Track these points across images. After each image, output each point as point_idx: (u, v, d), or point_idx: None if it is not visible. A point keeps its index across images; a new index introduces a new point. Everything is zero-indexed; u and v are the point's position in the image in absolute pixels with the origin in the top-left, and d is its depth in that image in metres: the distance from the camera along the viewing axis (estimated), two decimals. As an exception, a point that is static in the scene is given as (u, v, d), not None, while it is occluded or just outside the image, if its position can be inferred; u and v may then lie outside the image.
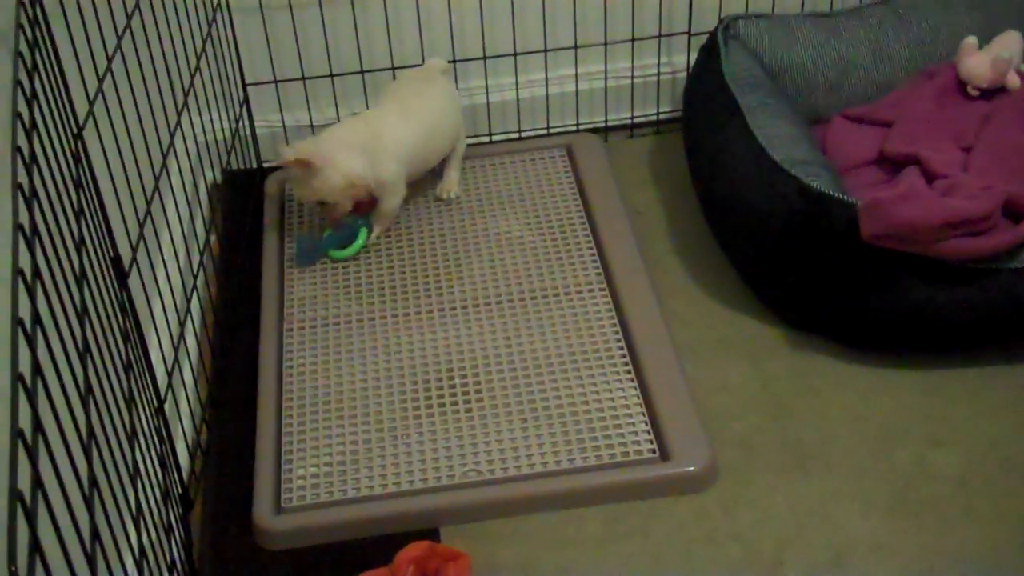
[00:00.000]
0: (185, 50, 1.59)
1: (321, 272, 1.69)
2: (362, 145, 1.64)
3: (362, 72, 1.87)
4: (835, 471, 1.38)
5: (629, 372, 1.49)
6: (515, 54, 1.89)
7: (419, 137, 1.70)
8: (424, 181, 1.82)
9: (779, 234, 1.49)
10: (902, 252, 1.40)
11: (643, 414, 1.43)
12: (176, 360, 1.40)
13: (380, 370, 1.52)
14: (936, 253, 1.39)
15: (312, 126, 1.92)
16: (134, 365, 1.18)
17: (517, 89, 1.93)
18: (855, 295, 1.47)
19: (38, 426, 0.75)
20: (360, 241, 1.70)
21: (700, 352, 1.54)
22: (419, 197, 1.81)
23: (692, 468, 1.37)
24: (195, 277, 1.57)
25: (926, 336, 1.47)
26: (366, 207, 1.71)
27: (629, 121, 1.99)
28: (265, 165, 1.95)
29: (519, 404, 1.46)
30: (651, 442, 1.40)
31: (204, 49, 1.66)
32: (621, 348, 1.52)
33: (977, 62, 1.75)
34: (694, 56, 1.85)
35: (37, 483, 0.71)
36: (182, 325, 1.48)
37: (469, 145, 1.87)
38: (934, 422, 1.43)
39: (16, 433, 0.69)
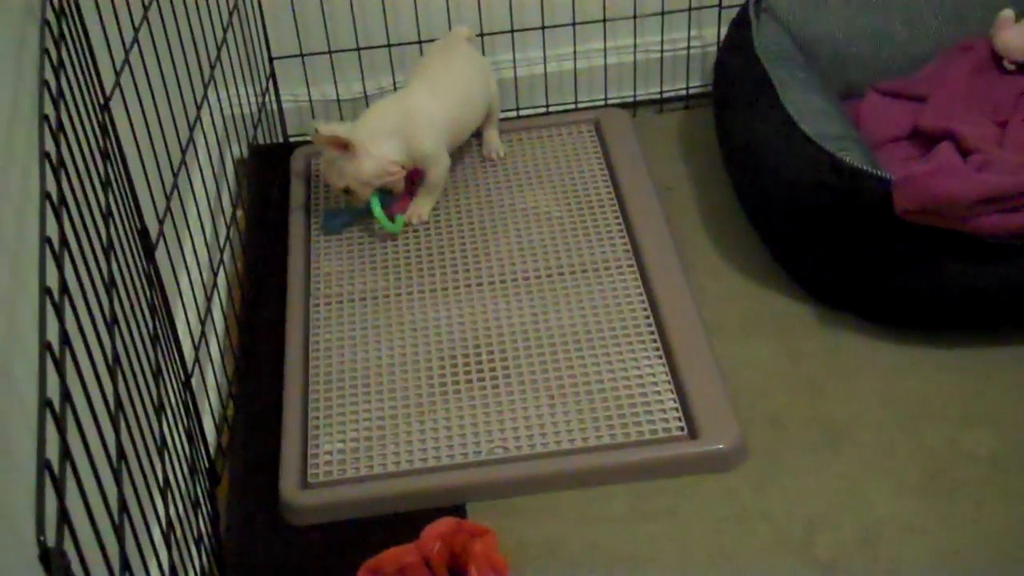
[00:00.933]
0: (212, 22, 1.58)
1: (348, 247, 1.69)
2: (395, 129, 1.62)
3: (389, 46, 1.86)
4: (866, 450, 1.37)
5: (657, 349, 1.48)
6: (543, 27, 1.88)
7: (452, 110, 1.69)
8: (454, 157, 1.81)
9: (810, 210, 1.47)
10: (935, 228, 1.38)
11: (671, 391, 1.42)
12: (203, 334, 1.40)
13: (407, 345, 1.52)
14: (970, 230, 1.37)
15: (338, 100, 1.91)
16: (161, 338, 1.18)
17: (545, 63, 1.91)
18: (887, 272, 1.45)
19: (66, 396, 0.74)
20: (399, 219, 1.68)
21: (729, 329, 1.53)
22: (452, 173, 1.80)
23: (721, 446, 1.36)
24: (221, 251, 1.57)
25: (959, 314, 1.46)
26: (415, 177, 1.69)
27: (658, 96, 1.97)
28: (291, 139, 1.94)
29: (546, 380, 1.45)
30: (679, 420, 1.39)
31: (231, 22, 1.65)
32: (649, 325, 1.51)
33: (1013, 35, 1.72)
34: (724, 30, 1.83)
35: (65, 454, 0.71)
36: (208, 299, 1.48)
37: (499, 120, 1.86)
38: (966, 401, 1.41)
39: (44, 402, 0.69)
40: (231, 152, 1.81)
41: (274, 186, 1.81)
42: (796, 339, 1.51)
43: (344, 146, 1.59)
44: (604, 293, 1.56)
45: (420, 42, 1.85)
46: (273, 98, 1.90)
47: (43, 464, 0.66)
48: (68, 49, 1.02)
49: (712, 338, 1.50)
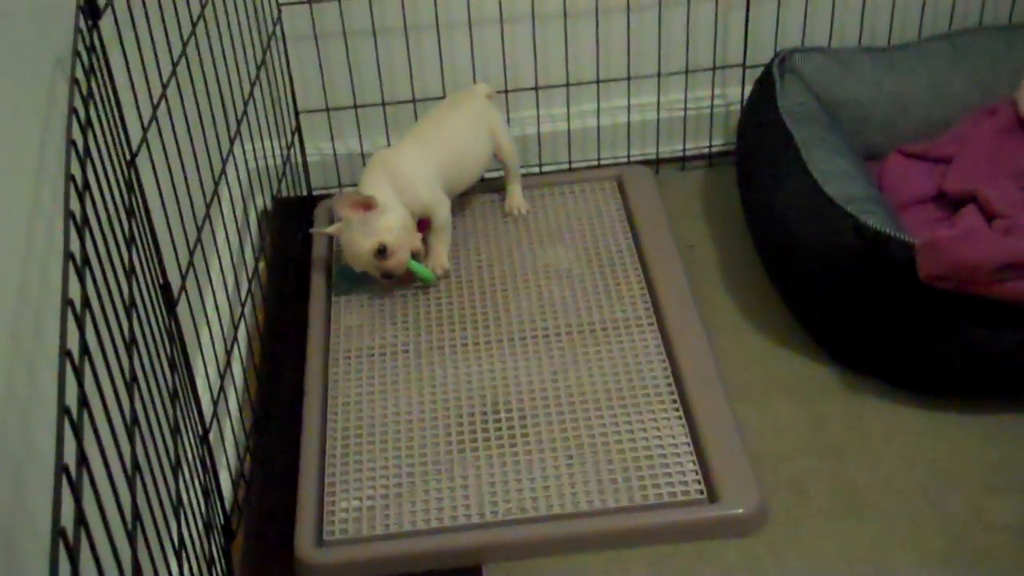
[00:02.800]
0: (239, 77, 1.59)
1: (368, 301, 1.68)
2: (391, 185, 1.62)
3: (414, 101, 1.87)
4: (889, 517, 1.35)
5: (677, 410, 1.46)
6: (567, 85, 1.88)
7: (440, 161, 1.68)
8: (470, 211, 1.81)
9: (834, 272, 1.46)
10: (961, 293, 1.37)
11: (691, 454, 1.41)
12: (222, 388, 1.39)
13: (425, 402, 1.51)
14: (996, 295, 1.36)
15: (363, 154, 1.91)
16: (180, 394, 1.17)
17: (569, 120, 1.92)
18: (911, 336, 1.43)
19: (83, 460, 0.74)
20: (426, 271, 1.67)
21: (750, 391, 1.52)
22: (467, 227, 1.80)
23: (741, 510, 1.34)
24: (243, 304, 1.57)
25: (984, 380, 1.44)
26: (423, 228, 1.69)
27: (681, 154, 1.97)
28: (315, 192, 1.95)
29: (565, 440, 1.44)
30: (699, 483, 1.37)
31: (258, 76, 1.66)
32: (670, 385, 1.50)
33: (1039, 100, 1.72)
34: (748, 89, 1.83)
35: (80, 520, 0.70)
36: (229, 353, 1.47)
37: (521, 176, 1.85)
38: (992, 469, 1.39)
39: (60, 468, 0.68)
40: (255, 204, 1.81)
41: (297, 239, 1.81)
42: (818, 402, 1.49)
43: (368, 205, 1.59)
44: (624, 352, 1.55)
45: (444, 97, 1.86)
46: (298, 151, 1.90)
47: (57, 530, 0.65)
48: (96, 106, 1.02)
49: (733, 400, 1.48)
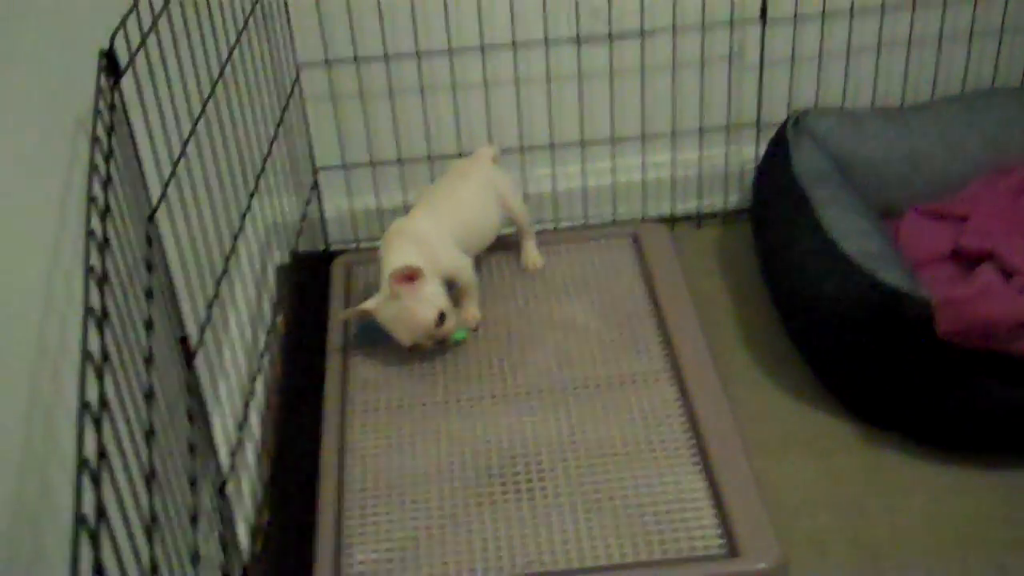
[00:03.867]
0: (258, 134, 1.59)
1: (384, 354, 1.67)
2: (419, 253, 1.60)
3: (430, 158, 1.87)
4: (909, 573, 1.32)
5: (697, 464, 1.44)
6: (582, 143, 1.88)
7: (453, 228, 1.66)
8: (486, 267, 1.80)
9: (851, 329, 1.45)
10: (979, 350, 1.35)
11: (712, 508, 1.38)
12: (240, 440, 1.38)
13: (442, 456, 1.49)
14: (1015, 351, 1.34)
15: (379, 209, 1.91)
16: (198, 446, 1.16)
17: (584, 177, 1.92)
18: (930, 392, 1.42)
19: (101, 513, 0.72)
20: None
21: (769, 446, 1.50)
22: (483, 281, 1.79)
23: (763, 565, 1.31)
24: (260, 358, 1.56)
25: (1005, 436, 1.42)
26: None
27: (696, 212, 1.96)
28: (332, 248, 1.95)
29: (583, 494, 1.41)
30: (719, 537, 1.35)
31: (277, 133, 1.67)
32: (689, 439, 1.48)
33: (1053, 158, 1.71)
34: (762, 147, 1.83)
35: (99, 572, 0.69)
36: (246, 406, 1.46)
37: (536, 232, 1.84)
38: (1013, 526, 1.37)
39: (78, 519, 0.67)
40: (272, 259, 1.81)
41: (314, 293, 1.81)
42: (837, 457, 1.47)
43: (412, 276, 1.54)
44: (642, 406, 1.54)
45: (460, 155, 1.86)
46: (316, 207, 1.91)
47: (74, 583, 0.64)
48: (116, 163, 1.02)
49: (751, 454, 1.46)
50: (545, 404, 1.55)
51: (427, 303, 1.56)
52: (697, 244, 1.90)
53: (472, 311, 1.68)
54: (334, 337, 1.71)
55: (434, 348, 1.63)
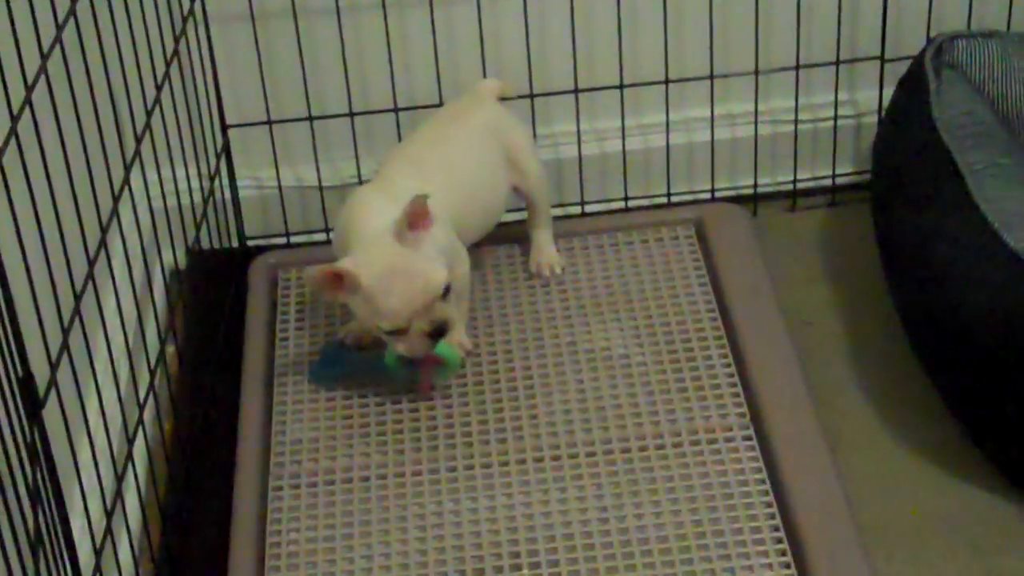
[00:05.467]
0: (140, 73, 1.60)
1: (327, 403, 1.68)
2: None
3: (396, 110, 1.88)
4: None
5: (787, 564, 1.45)
6: (621, 86, 1.89)
7: (448, 201, 1.63)
8: (480, 270, 1.81)
9: (1019, 359, 1.45)
10: None
11: (809, 632, 1.39)
12: (108, 530, 1.39)
13: (411, 551, 1.50)
14: None
15: (320, 187, 1.92)
16: (46, 538, 1.16)
17: (623, 136, 1.92)
18: None
19: None
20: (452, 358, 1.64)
21: (896, 535, 1.52)
22: (475, 293, 1.79)
23: None
24: (141, 408, 1.57)
25: None
26: None
27: (791, 186, 1.97)
28: (249, 243, 1.95)
29: (620, 609, 1.43)
30: (821, 675, 1.36)
31: (167, 74, 1.67)
32: (775, 528, 1.48)
33: None
34: (889, 92, 1.84)
35: None
36: (120, 480, 1.47)
37: (554, 219, 1.84)
38: None
39: None
40: (161, 261, 1.82)
41: (223, 311, 1.81)
42: (997, 551, 1.49)
43: (428, 218, 1.54)
44: (708, 479, 1.54)
45: (441, 103, 1.86)
46: (225, 183, 1.91)
47: None
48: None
49: (870, 546, 1.47)
50: (564, 476, 1.56)
51: (438, 262, 1.55)
52: (790, 235, 1.91)
53: (458, 336, 1.67)
54: (252, 375, 1.72)
55: (409, 376, 1.62)
